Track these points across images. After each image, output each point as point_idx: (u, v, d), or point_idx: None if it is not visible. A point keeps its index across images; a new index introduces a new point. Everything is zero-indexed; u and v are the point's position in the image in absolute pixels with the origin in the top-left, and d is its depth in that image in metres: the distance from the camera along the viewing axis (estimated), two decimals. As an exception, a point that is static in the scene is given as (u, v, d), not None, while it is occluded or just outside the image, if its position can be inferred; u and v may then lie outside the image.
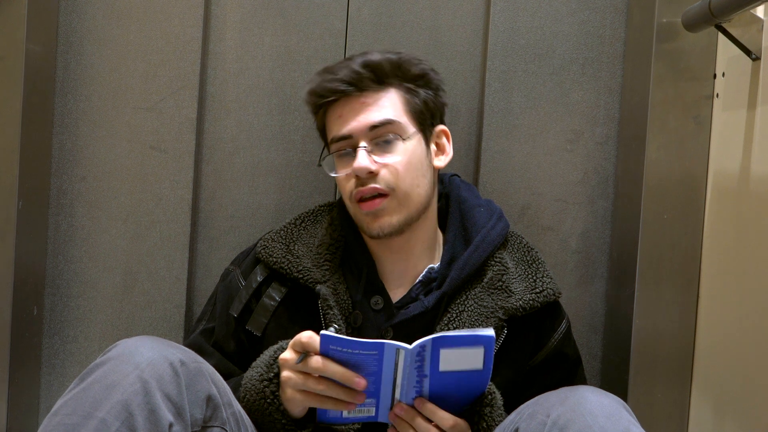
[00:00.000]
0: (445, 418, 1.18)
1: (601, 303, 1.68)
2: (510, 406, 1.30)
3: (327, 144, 1.42)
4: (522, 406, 1.19)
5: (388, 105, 1.35)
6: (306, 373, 1.17)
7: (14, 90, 1.52)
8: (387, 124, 1.33)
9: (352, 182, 1.34)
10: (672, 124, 1.55)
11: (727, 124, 1.49)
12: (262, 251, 1.40)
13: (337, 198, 1.63)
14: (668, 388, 1.57)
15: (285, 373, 1.19)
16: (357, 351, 1.12)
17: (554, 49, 1.66)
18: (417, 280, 1.38)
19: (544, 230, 1.67)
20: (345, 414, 1.19)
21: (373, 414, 1.20)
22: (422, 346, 1.12)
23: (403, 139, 1.34)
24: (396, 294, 1.38)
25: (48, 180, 1.63)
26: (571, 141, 1.67)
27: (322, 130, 1.42)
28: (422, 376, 1.15)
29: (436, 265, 1.39)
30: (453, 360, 1.14)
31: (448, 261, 1.37)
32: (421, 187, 1.35)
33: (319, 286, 1.34)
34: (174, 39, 1.63)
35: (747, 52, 1.39)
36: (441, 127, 1.42)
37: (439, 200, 1.45)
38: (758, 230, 1.36)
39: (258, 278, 1.40)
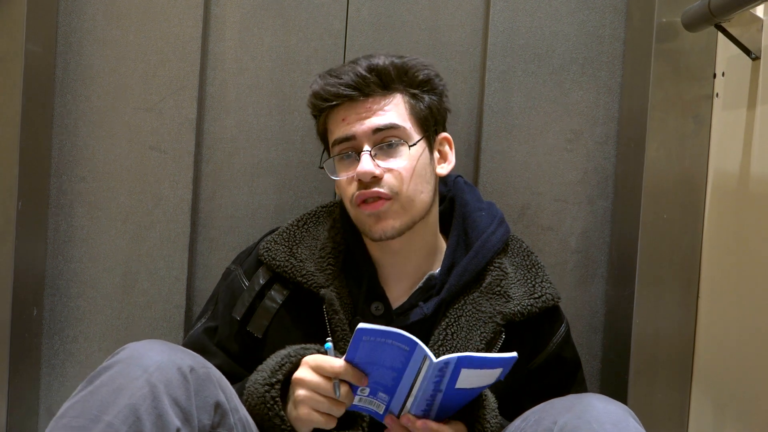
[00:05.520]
0: None
1: (600, 303, 1.68)
2: (509, 410, 1.30)
3: (327, 147, 1.41)
4: (527, 413, 1.19)
5: (393, 110, 1.33)
6: (331, 398, 1.15)
7: (14, 90, 1.52)
8: (392, 128, 1.32)
9: (354, 185, 1.32)
10: (672, 123, 1.55)
11: (727, 123, 1.49)
12: (265, 254, 1.39)
13: (337, 198, 1.63)
14: (668, 388, 1.57)
15: (303, 392, 1.16)
16: (390, 341, 1.10)
17: (554, 48, 1.66)
18: (417, 287, 1.38)
19: (544, 230, 1.67)
20: (356, 401, 1.16)
21: (381, 412, 1.18)
22: (446, 363, 1.10)
23: (408, 145, 1.33)
24: (396, 300, 1.38)
25: (47, 180, 1.63)
26: (570, 141, 1.67)
27: (323, 134, 1.41)
28: (437, 392, 1.14)
29: (436, 271, 1.39)
30: (471, 379, 1.13)
31: (447, 267, 1.37)
32: (424, 194, 1.34)
33: (323, 291, 1.33)
34: (173, 39, 1.63)
35: (747, 51, 1.39)
36: (444, 134, 1.41)
37: (442, 203, 1.44)
38: (758, 229, 1.36)
39: (260, 281, 1.39)
